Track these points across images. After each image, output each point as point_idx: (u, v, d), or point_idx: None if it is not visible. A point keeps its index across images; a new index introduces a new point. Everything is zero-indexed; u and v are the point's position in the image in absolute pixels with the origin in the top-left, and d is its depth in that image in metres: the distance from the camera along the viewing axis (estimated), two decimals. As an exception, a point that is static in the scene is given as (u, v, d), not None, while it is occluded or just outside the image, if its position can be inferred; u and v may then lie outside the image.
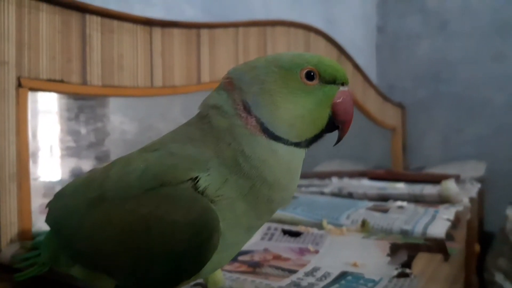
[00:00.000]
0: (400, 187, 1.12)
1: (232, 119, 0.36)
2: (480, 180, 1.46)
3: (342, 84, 0.38)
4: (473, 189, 1.17)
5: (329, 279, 0.48)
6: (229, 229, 0.33)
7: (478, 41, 2.12)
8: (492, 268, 1.53)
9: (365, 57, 2.14)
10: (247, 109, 0.36)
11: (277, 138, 0.35)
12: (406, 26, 2.35)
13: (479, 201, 1.36)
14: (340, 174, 1.40)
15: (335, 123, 0.38)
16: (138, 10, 0.98)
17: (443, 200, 0.92)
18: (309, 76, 0.37)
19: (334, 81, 0.38)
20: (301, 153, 0.37)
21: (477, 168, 1.80)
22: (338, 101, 0.37)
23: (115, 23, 0.76)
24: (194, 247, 0.32)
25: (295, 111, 0.36)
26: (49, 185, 0.72)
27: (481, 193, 1.36)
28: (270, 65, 0.37)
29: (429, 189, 0.99)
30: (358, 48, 2.02)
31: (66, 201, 0.42)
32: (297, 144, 0.36)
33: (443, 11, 2.23)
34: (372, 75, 2.24)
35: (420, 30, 2.30)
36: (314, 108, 0.36)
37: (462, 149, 2.12)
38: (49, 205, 0.46)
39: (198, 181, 0.33)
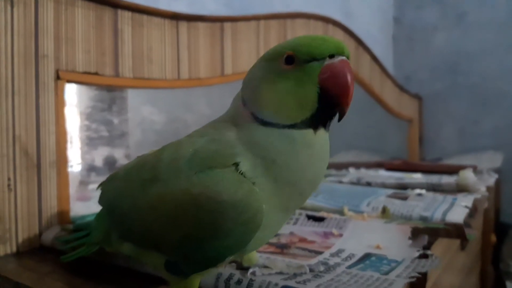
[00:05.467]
0: (417, 177, 1.14)
1: (237, 110, 0.40)
2: (497, 171, 1.46)
3: (332, 57, 0.36)
4: (491, 179, 1.18)
5: (354, 259, 0.50)
6: (267, 209, 0.36)
7: (495, 33, 2.10)
8: (508, 259, 1.53)
9: (381, 49, 2.14)
10: (244, 104, 0.40)
11: (268, 124, 0.37)
12: (423, 17, 2.34)
13: (496, 192, 1.36)
14: (357, 165, 1.42)
15: (331, 100, 0.36)
16: (163, 4, 1.01)
17: (460, 189, 0.93)
18: (288, 60, 0.37)
19: (314, 58, 0.36)
20: (306, 134, 0.37)
21: (494, 160, 1.80)
22: (324, 76, 0.36)
23: (145, 17, 0.79)
24: (240, 225, 0.35)
25: (276, 96, 0.37)
26: (84, 173, 0.77)
27: (497, 184, 1.37)
28: (259, 61, 0.40)
29: (446, 179, 1.01)
30: (374, 40, 2.02)
31: (119, 183, 0.46)
32: (292, 126, 0.37)
33: (460, 2, 2.22)
34: (389, 66, 2.25)
35: (437, 21, 2.29)
36: (294, 89, 0.36)
37: (479, 141, 2.12)
38: (102, 186, 0.50)
39: (239, 165, 0.36)
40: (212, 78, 0.93)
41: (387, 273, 0.45)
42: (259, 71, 0.39)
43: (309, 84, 0.36)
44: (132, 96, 0.84)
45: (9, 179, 0.62)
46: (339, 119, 0.38)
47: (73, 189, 0.71)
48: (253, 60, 1.03)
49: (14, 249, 0.63)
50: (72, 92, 0.73)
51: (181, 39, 0.86)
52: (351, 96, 0.36)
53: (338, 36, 1.43)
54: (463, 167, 1.09)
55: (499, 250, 1.55)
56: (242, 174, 0.36)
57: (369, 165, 1.45)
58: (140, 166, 0.43)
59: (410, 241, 0.56)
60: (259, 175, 0.36)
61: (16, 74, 0.62)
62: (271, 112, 0.37)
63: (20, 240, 0.63)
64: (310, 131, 0.37)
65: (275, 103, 0.37)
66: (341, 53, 0.36)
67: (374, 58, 1.66)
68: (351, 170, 1.35)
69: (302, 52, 0.36)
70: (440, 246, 0.59)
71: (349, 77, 0.35)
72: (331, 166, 1.41)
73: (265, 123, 0.38)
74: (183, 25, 0.87)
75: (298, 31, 1.21)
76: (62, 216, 0.68)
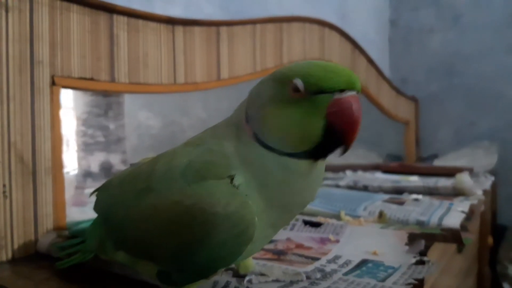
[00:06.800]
0: (414, 180, 1.14)
1: (240, 123, 0.39)
2: (492, 172, 1.47)
3: (342, 91, 0.35)
4: (487, 182, 1.18)
5: (350, 266, 0.50)
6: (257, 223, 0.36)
7: (491, 34, 2.11)
8: (505, 260, 1.54)
9: (378, 51, 2.15)
10: (247, 120, 0.39)
11: (269, 148, 0.37)
12: (419, 19, 2.35)
13: (492, 194, 1.37)
14: (354, 167, 1.43)
15: (336, 136, 0.35)
16: (159, 8, 1.01)
17: (457, 192, 0.93)
18: (297, 88, 0.35)
19: (323, 91, 0.35)
20: (302, 164, 0.36)
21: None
22: (331, 111, 0.34)
23: (140, 22, 0.79)
24: (232, 238, 0.35)
25: (282, 123, 0.36)
26: (80, 178, 0.76)
27: (493, 186, 1.38)
28: (269, 78, 0.39)
29: (443, 182, 1.01)
30: (371, 42, 2.03)
31: (113, 192, 0.45)
32: (293, 155, 0.36)
33: (456, 4, 2.23)
34: (385, 68, 2.25)
35: (433, 23, 2.30)
36: (301, 120, 0.35)
37: (475, 142, 2.13)
38: (97, 194, 0.50)
39: (233, 178, 0.36)
40: (208, 82, 0.93)
41: (383, 280, 0.45)
42: (266, 90, 0.38)
43: (316, 116, 0.35)
44: (128, 101, 0.84)
45: (4, 185, 0.61)
46: (342, 154, 0.36)
47: (69, 194, 0.70)
48: (249, 64, 1.03)
49: (10, 256, 0.62)
50: (67, 98, 0.73)
51: (177, 44, 0.86)
52: (357, 133, 0.35)
53: (334, 39, 1.43)
54: (459, 170, 1.10)
55: (496, 252, 1.55)
56: (236, 187, 0.36)
57: (366, 168, 1.45)
58: (135, 176, 0.43)
59: (407, 247, 0.56)
60: (251, 191, 0.36)
61: (11, 80, 0.62)
62: (273, 138, 0.37)
63: (15, 247, 0.63)
64: (306, 162, 0.37)
65: (278, 131, 0.36)
66: (352, 88, 0.35)
67: (370, 61, 1.66)
68: (348, 172, 1.35)
69: (312, 83, 0.35)
70: (437, 250, 0.59)
71: (357, 114, 0.34)
72: (328, 169, 1.41)
73: (264, 145, 0.37)
74: (179, 30, 0.86)
75: (294, 34, 1.21)
76: (58, 222, 0.68)
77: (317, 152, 0.36)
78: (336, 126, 0.35)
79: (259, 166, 0.37)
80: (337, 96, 0.35)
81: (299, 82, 0.35)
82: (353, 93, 0.35)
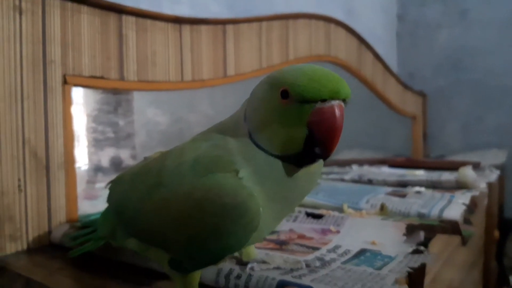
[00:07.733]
0: (420, 174, 1.15)
1: (239, 121, 0.41)
2: (501, 167, 1.47)
3: (325, 101, 0.35)
4: (492, 175, 1.18)
5: (349, 255, 0.52)
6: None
7: (498, 30, 2.11)
8: (511, 254, 1.55)
9: (385, 46, 2.15)
10: (245, 118, 0.41)
11: (260, 148, 0.39)
12: (426, 14, 2.34)
13: (499, 188, 1.37)
14: (361, 162, 1.44)
15: (316, 143, 0.36)
16: (167, 8, 1.04)
17: (460, 186, 0.94)
18: (283, 95, 0.36)
19: (306, 100, 0.36)
20: (291, 167, 0.38)
21: (498, 156, 1.80)
22: (312, 120, 0.36)
23: (148, 22, 0.82)
24: (240, 227, 0.37)
25: (267, 127, 0.38)
26: (91, 173, 0.79)
27: (501, 180, 1.38)
28: (264, 81, 0.40)
29: (447, 176, 1.02)
30: (378, 37, 2.03)
31: (126, 186, 0.48)
32: (280, 158, 0.38)
33: (464, -1, 2.23)
34: (393, 63, 2.25)
35: (441, 18, 2.29)
36: (286, 127, 0.37)
37: (483, 137, 2.12)
38: (110, 187, 0.52)
39: (238, 172, 0.38)
40: (215, 79, 0.95)
41: (380, 268, 0.47)
42: (261, 93, 0.40)
43: (299, 124, 0.36)
44: (137, 98, 0.87)
45: (19, 180, 0.65)
46: (324, 160, 0.38)
47: (80, 188, 0.73)
48: (255, 61, 1.06)
49: (25, 246, 0.65)
50: (79, 96, 0.76)
51: (184, 42, 0.88)
52: (336, 142, 0.36)
53: (340, 35, 1.44)
54: (464, 164, 1.10)
55: (503, 245, 1.56)
56: (241, 180, 0.38)
57: (372, 162, 1.46)
58: (146, 172, 0.45)
59: (405, 238, 0.57)
60: (253, 185, 0.38)
61: (25, 80, 0.65)
62: (262, 140, 0.38)
63: (30, 238, 0.66)
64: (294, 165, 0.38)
65: (266, 134, 0.38)
66: (336, 97, 0.36)
67: (377, 56, 1.67)
68: (354, 167, 1.36)
69: (296, 91, 0.36)
70: (439, 242, 0.60)
71: (336, 124, 0.35)
72: (334, 163, 1.42)
73: (256, 144, 0.39)
74: (186, 29, 0.89)
75: (300, 31, 1.23)
76: (70, 215, 0.71)
77: (301, 158, 0.38)
78: (315, 135, 0.36)
79: (255, 163, 0.39)
80: (319, 105, 0.36)
81: (286, 90, 0.36)
82: (336, 102, 0.36)
